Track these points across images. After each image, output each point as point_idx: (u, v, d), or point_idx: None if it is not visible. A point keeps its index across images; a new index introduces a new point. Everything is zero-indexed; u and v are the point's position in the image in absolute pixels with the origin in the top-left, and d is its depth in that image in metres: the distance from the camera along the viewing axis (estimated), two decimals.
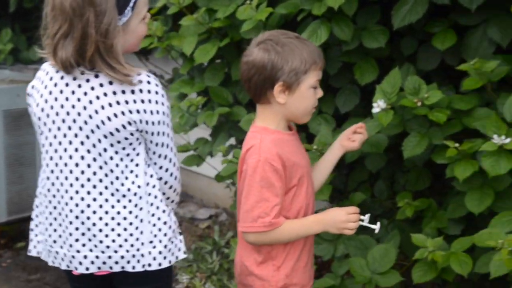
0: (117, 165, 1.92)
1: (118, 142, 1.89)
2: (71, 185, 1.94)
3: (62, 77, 1.90)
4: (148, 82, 1.88)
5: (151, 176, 1.97)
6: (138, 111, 1.86)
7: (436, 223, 2.45)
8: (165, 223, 1.99)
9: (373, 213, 2.78)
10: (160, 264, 1.99)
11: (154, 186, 1.97)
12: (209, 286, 3.46)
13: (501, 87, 2.29)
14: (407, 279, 2.45)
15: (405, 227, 2.61)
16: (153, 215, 1.98)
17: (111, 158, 1.91)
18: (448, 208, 2.42)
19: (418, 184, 2.57)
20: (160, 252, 1.99)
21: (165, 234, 1.99)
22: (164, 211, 1.99)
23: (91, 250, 1.97)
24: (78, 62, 1.84)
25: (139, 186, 1.94)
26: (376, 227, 1.98)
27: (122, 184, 1.93)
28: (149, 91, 1.87)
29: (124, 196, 1.94)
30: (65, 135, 1.92)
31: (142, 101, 1.86)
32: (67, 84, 1.89)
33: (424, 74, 2.51)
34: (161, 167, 1.98)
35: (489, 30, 2.26)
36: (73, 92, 1.88)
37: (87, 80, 1.87)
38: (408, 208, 2.45)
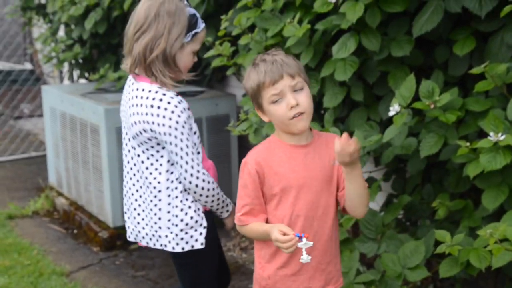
0: (142, 162, 2.36)
1: (141, 143, 2.34)
2: (127, 172, 2.47)
3: (128, 86, 2.41)
4: (160, 100, 2.27)
5: (173, 174, 2.35)
6: (148, 122, 2.28)
7: (469, 222, 2.55)
8: (176, 216, 2.36)
9: (421, 215, 2.92)
10: (173, 248, 2.38)
11: (173, 183, 2.35)
12: None
13: None
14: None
15: (446, 228, 2.71)
16: (173, 206, 2.36)
17: (138, 155, 2.37)
18: (479, 207, 2.51)
19: (459, 186, 2.67)
20: (173, 238, 2.38)
21: (176, 225, 2.36)
22: (177, 206, 2.36)
23: (132, 223, 2.50)
24: (141, 62, 2.29)
25: (159, 182, 2.35)
26: (304, 258, 1.94)
27: (146, 178, 2.37)
28: (159, 107, 2.26)
29: (147, 187, 2.38)
30: (126, 133, 2.45)
31: (152, 115, 2.26)
32: (127, 91, 2.41)
33: (459, 79, 2.64)
34: (179, 168, 2.34)
35: (506, 36, 2.36)
36: (128, 99, 2.38)
37: (132, 90, 2.36)
38: (441, 208, 2.57)
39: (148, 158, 2.34)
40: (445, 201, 2.61)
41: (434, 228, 2.73)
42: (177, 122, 2.26)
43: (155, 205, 2.37)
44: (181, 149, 2.29)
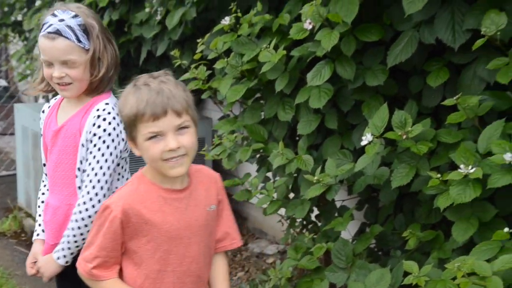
0: None
1: None
2: None
3: None
4: None
5: None
6: None
7: (439, 253, 2.53)
8: None
9: (393, 245, 2.90)
10: None
11: None
12: None
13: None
14: None
15: (416, 259, 2.69)
16: None
17: None
18: (450, 239, 2.50)
19: (430, 217, 2.66)
20: None
21: None
22: None
23: None
24: None
25: None
26: None
27: None
28: None
29: None
30: None
31: None
32: None
33: (432, 110, 2.64)
34: None
35: (478, 69, 2.36)
36: None
37: None
38: (412, 239, 2.56)
39: None
40: (416, 232, 2.59)
41: (405, 258, 2.71)
42: None
43: None
44: None
